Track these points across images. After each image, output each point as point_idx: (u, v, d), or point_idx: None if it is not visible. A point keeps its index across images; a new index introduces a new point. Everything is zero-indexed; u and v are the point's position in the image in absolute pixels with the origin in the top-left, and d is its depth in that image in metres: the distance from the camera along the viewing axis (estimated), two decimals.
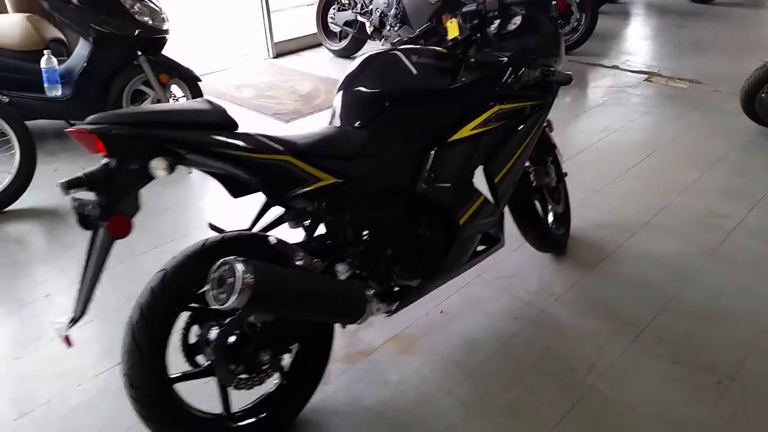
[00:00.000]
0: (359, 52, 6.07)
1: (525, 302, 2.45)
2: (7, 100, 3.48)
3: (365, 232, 1.92)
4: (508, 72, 2.14)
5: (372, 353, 2.22)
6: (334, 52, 6.10)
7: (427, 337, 2.30)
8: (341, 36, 6.02)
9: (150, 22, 3.86)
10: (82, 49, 3.88)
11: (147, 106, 1.59)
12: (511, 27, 2.37)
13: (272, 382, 1.88)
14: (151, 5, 3.89)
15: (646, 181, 3.36)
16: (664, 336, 2.24)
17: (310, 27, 6.22)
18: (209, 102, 1.63)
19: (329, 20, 6.02)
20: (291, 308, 1.60)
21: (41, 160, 3.95)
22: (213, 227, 1.78)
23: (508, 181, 2.19)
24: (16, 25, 4.04)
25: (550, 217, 2.75)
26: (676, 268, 2.61)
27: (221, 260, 1.50)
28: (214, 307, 1.49)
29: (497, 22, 2.38)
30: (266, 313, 1.63)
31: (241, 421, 1.83)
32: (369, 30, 5.54)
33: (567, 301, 2.45)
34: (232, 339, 1.69)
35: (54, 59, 3.94)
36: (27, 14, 4.11)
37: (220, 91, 5.18)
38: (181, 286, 1.62)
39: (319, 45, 6.24)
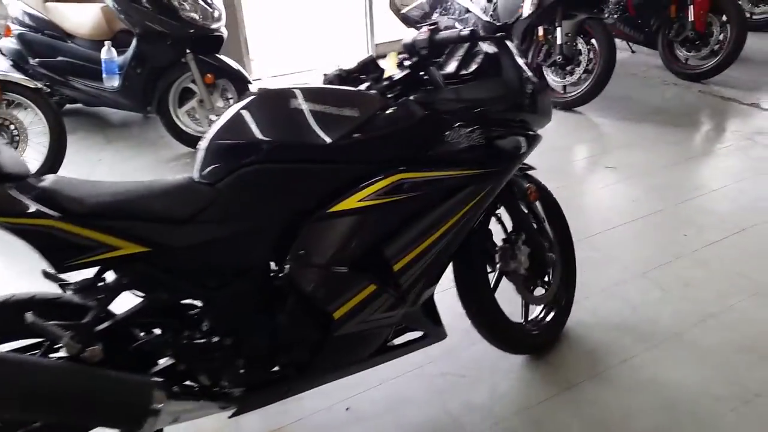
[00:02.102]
0: None
1: (453, 420, 1.92)
2: (48, 90, 3.57)
3: (194, 315, 1.56)
4: (425, 129, 1.63)
5: None
6: None
7: None
8: None
9: (199, 21, 3.75)
10: (132, 43, 3.88)
11: None
12: (474, 67, 1.83)
13: None
14: (203, 4, 3.77)
15: (711, 271, 2.55)
16: None
17: None
18: None
19: None
20: (14, 410, 1.30)
21: (90, 148, 4.06)
22: (48, 275, 1.53)
23: (418, 271, 1.67)
24: (89, 14, 4.17)
25: (536, 312, 2.16)
26: (687, 411, 1.90)
27: None
28: None
29: (457, 59, 1.85)
30: None
31: None
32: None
33: (509, 430, 1.87)
34: None
35: (114, 51, 4.00)
36: (101, 4, 4.21)
37: None
38: None
39: None
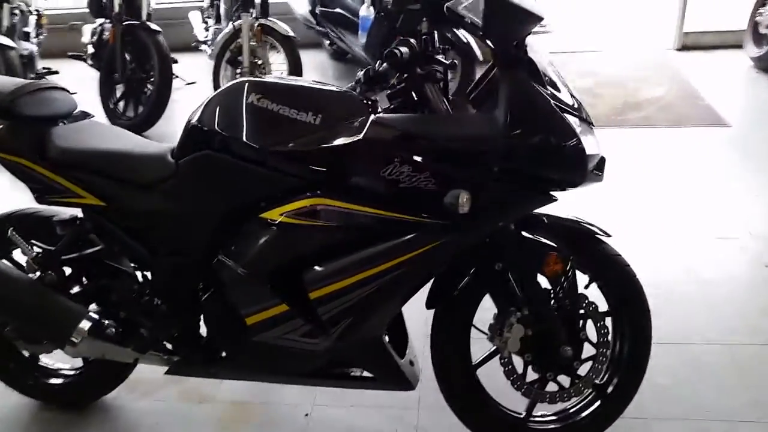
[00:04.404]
0: None
1: None
2: (294, 36, 4.00)
3: (135, 271, 1.70)
4: (356, 156, 1.41)
5: (203, 403, 1.98)
6: (753, 60, 4.53)
7: (260, 430, 1.89)
8: (765, 41, 4.39)
9: None
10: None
11: None
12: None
13: None
14: None
15: None
16: None
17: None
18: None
19: (757, 18, 4.43)
20: None
21: None
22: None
23: (342, 306, 1.48)
24: None
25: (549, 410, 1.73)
26: None
27: None
28: None
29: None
30: None
31: None
32: None
33: None
34: None
35: (371, 9, 4.23)
36: None
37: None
38: None
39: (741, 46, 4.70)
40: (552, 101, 1.40)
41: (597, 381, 1.69)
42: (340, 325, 1.52)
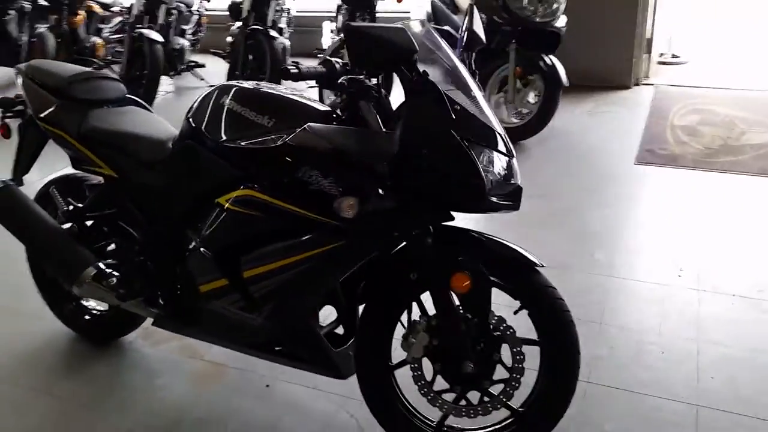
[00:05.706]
0: None
1: None
2: None
3: (134, 233, 2.04)
4: (278, 157, 1.61)
5: (193, 358, 2.29)
6: None
7: (225, 389, 2.16)
8: None
9: (526, 14, 3.74)
10: None
11: None
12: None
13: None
14: None
15: None
16: None
17: None
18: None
19: None
20: (12, 229, 2.08)
21: None
22: None
23: (269, 288, 1.69)
24: None
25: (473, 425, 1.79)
26: None
27: None
28: None
29: None
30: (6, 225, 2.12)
31: None
32: None
33: None
34: None
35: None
36: None
37: (663, 107, 4.37)
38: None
39: None
40: (452, 128, 1.49)
41: (512, 405, 1.73)
42: (268, 305, 1.74)
